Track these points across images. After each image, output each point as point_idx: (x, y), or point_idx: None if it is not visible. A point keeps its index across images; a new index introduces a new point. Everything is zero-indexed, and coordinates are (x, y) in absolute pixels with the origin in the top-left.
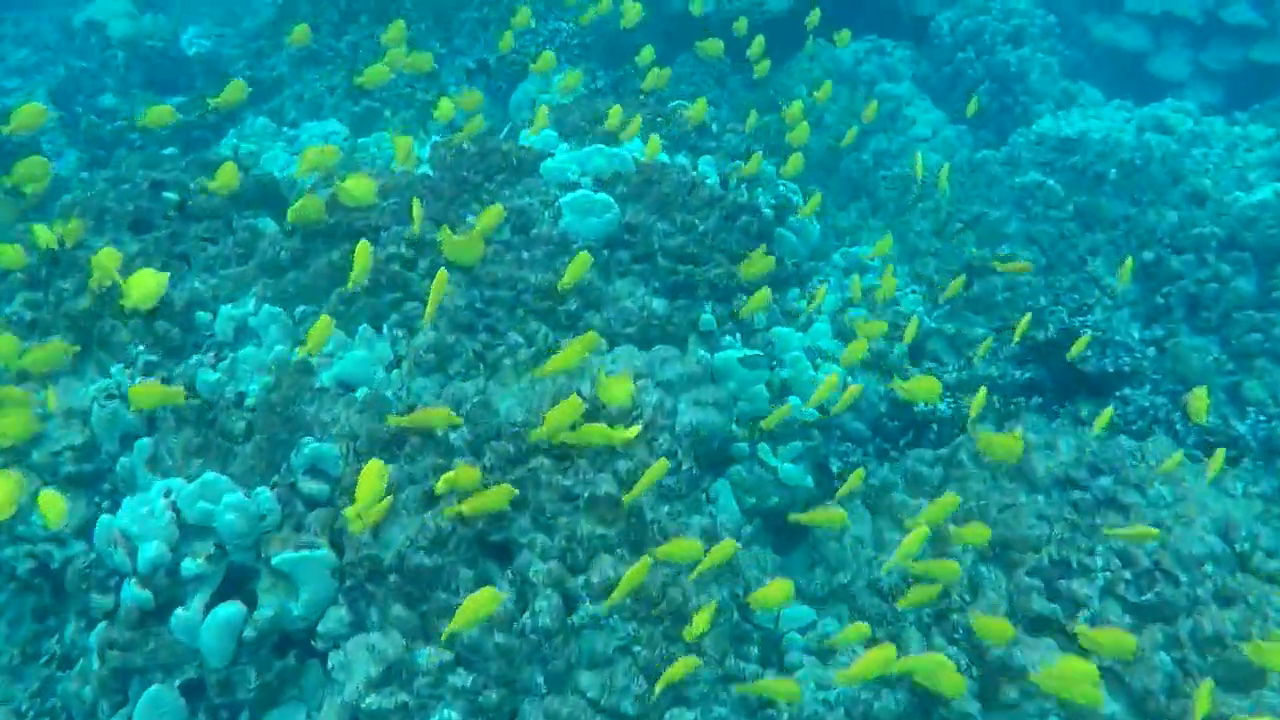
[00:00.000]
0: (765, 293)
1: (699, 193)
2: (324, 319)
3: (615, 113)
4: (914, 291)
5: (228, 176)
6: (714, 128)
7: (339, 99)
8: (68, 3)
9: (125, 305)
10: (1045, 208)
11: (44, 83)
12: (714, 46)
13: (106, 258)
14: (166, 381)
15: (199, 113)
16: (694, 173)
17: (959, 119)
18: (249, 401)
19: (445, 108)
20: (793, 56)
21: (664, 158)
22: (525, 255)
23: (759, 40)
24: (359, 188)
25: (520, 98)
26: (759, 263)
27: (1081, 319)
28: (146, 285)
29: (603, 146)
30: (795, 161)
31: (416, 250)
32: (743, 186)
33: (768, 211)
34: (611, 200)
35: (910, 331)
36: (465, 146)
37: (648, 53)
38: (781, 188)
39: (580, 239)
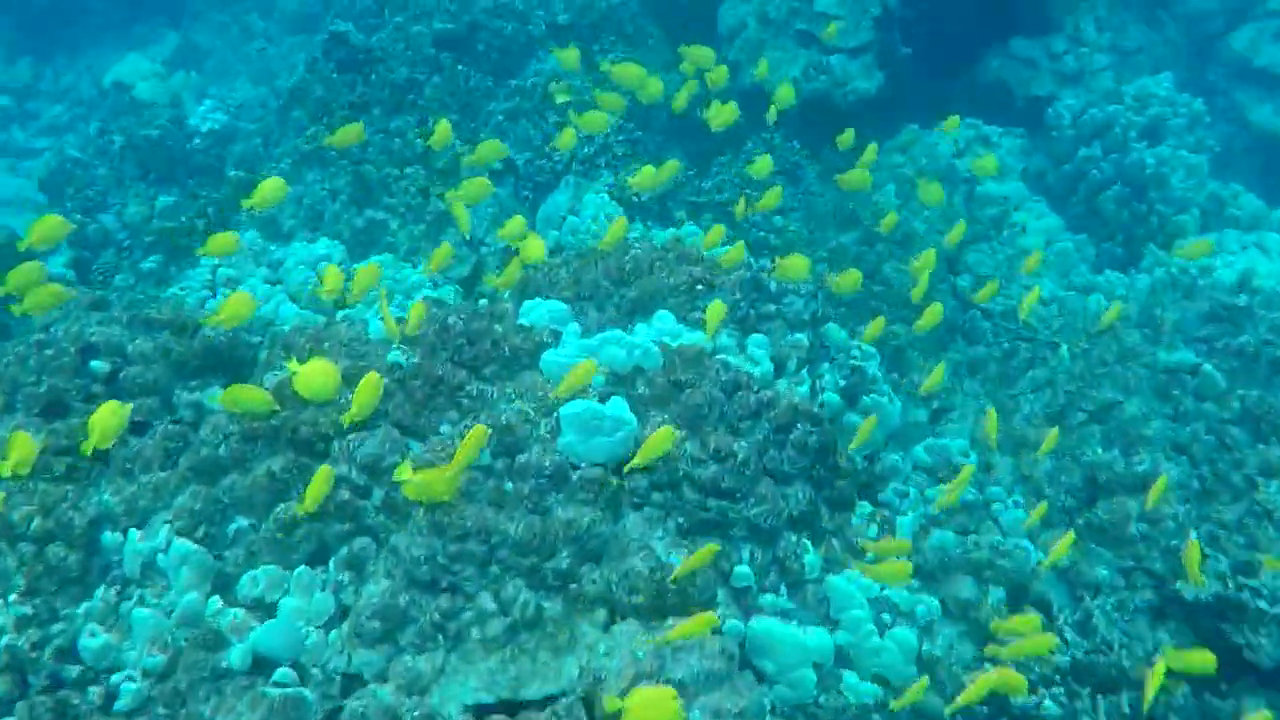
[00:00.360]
0: (903, 569)
1: (742, 399)
2: (323, 471)
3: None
4: (1016, 503)
5: (239, 307)
6: (772, 285)
7: (341, 206)
8: (116, 47)
9: (86, 449)
10: (1199, 401)
11: (36, 170)
12: (860, 179)
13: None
14: (39, 647)
15: (190, 216)
16: (737, 363)
17: (1078, 224)
18: (122, 704)
19: (515, 226)
20: (881, 143)
21: (700, 338)
22: (508, 487)
23: (849, 134)
24: (317, 377)
25: (551, 211)
26: (888, 548)
27: (1252, 584)
28: (108, 422)
29: (620, 334)
30: (932, 315)
31: (370, 475)
32: (804, 372)
33: (833, 397)
34: (625, 414)
35: (1059, 550)
36: (452, 321)
37: (764, 164)
38: (855, 353)
39: (583, 463)
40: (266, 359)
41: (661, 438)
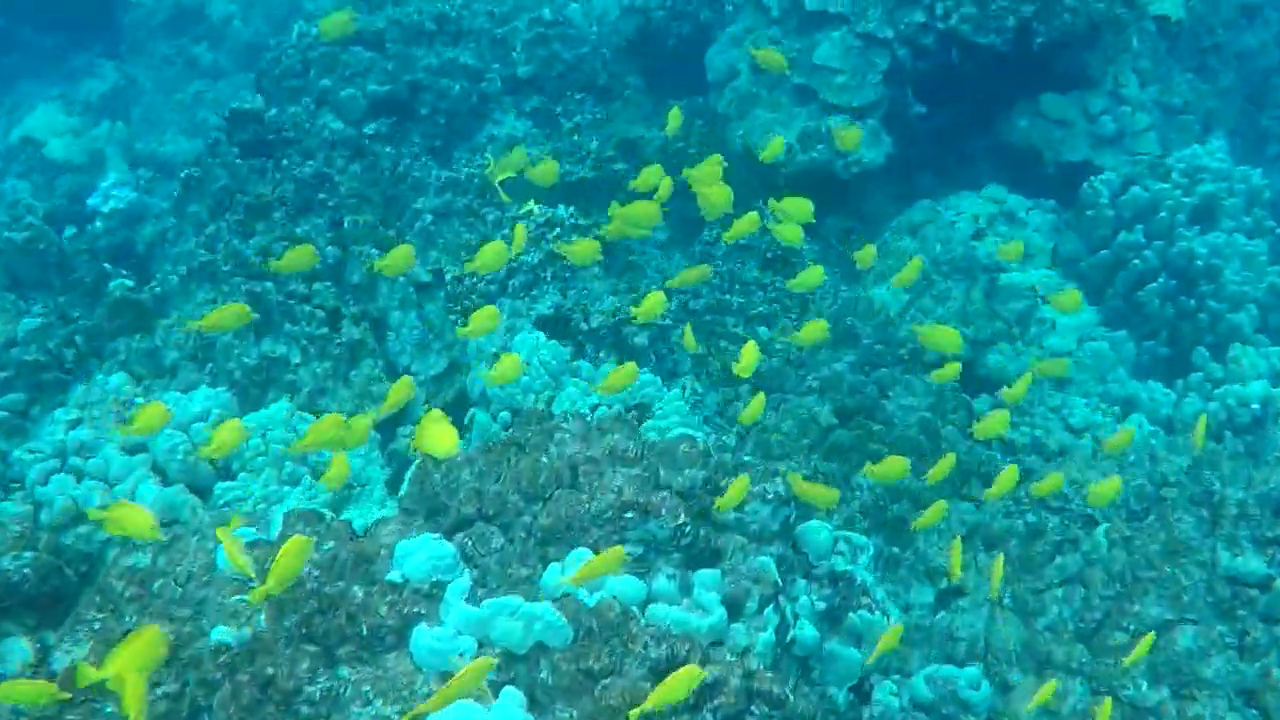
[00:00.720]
0: None
1: (677, 687)
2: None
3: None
4: None
5: (135, 524)
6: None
7: (235, 335)
8: (49, 81)
9: None
10: (1271, 626)
11: None
12: (949, 340)
13: None
14: None
15: (58, 344)
16: (676, 618)
17: (1116, 317)
18: None
19: (509, 369)
20: (887, 223)
21: (628, 587)
22: None
23: (870, 251)
24: (134, 660)
25: (483, 344)
26: None
27: None
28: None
29: (516, 604)
30: (1007, 479)
31: None
32: (769, 609)
33: (808, 631)
34: None
35: None
36: (308, 575)
37: (813, 276)
38: (843, 547)
39: None
40: (111, 563)
41: (683, 681)
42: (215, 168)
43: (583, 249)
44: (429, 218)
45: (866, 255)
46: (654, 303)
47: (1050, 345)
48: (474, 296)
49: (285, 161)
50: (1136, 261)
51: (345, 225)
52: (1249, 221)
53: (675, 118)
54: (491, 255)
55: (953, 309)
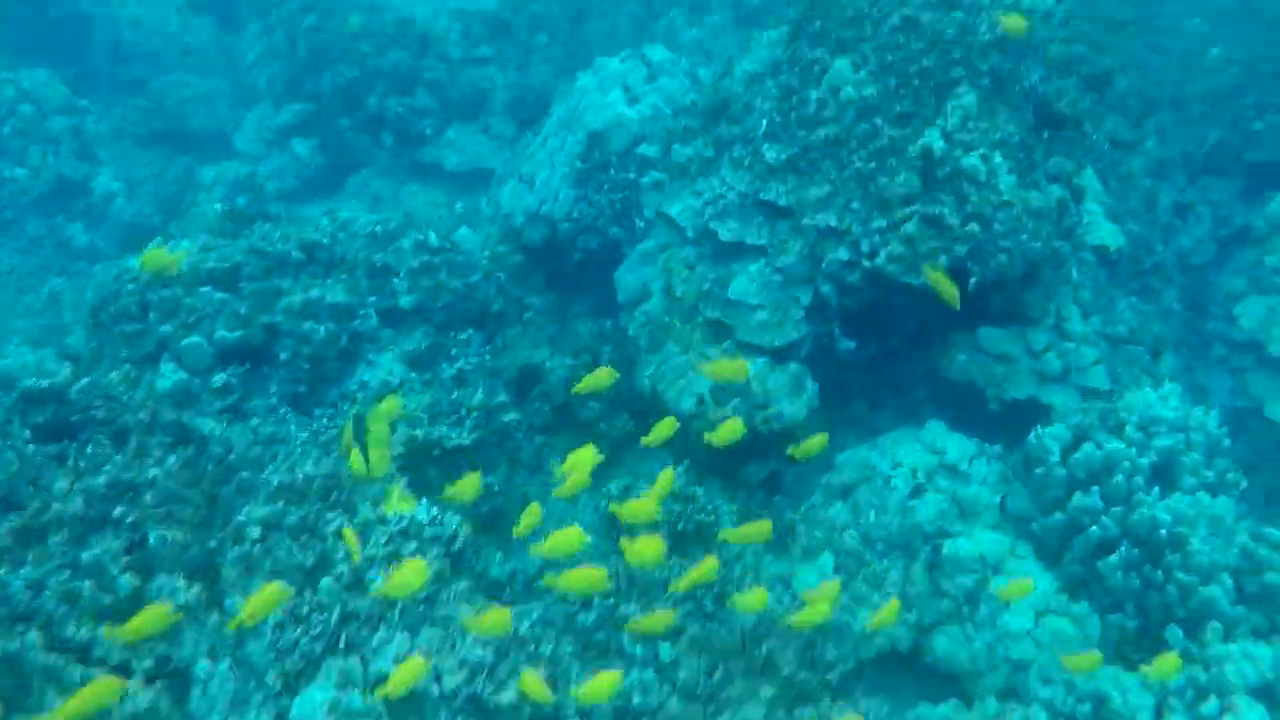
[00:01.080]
0: None
1: None
2: None
3: None
4: None
5: None
6: None
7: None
8: None
9: None
10: None
11: None
12: None
13: None
14: None
15: None
16: None
17: (1075, 585)
18: None
19: None
20: (806, 481)
21: None
22: None
23: (834, 587)
24: None
25: (307, 711)
26: None
27: None
28: None
29: None
30: None
31: None
32: None
33: None
34: None
35: None
36: None
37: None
38: None
39: None
40: None
41: None
42: (4, 451)
43: (491, 624)
44: (256, 531)
45: (832, 589)
46: (605, 684)
47: (1005, 624)
48: (294, 657)
49: (90, 448)
50: (1095, 529)
51: (151, 542)
52: (1211, 476)
53: (605, 375)
54: (412, 574)
55: (892, 593)
